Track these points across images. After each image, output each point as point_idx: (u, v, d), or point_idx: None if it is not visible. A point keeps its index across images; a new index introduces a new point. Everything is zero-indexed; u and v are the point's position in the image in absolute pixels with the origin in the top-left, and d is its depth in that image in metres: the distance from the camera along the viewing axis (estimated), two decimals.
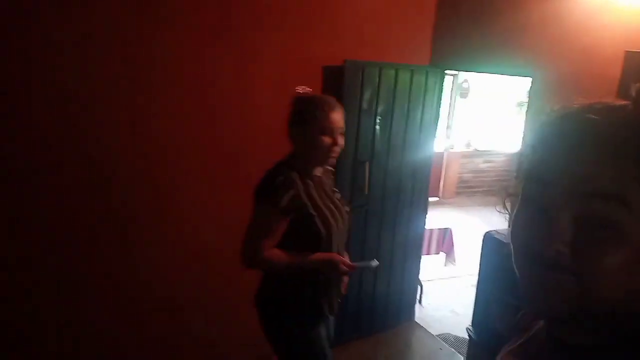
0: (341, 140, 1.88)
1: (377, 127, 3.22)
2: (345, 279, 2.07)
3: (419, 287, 4.09)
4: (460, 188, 8.44)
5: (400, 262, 3.63)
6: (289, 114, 1.92)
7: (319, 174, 1.95)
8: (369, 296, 3.50)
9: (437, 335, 3.79)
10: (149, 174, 2.66)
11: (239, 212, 2.93)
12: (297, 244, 1.83)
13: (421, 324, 3.91)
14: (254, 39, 2.75)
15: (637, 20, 2.21)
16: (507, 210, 0.70)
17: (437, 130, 3.65)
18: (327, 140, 1.84)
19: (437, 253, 4.42)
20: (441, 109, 3.60)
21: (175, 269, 2.83)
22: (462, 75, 7.53)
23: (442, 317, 4.21)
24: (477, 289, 2.84)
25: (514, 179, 0.64)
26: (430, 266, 4.65)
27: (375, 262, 2.02)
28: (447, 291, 4.74)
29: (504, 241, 2.48)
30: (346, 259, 1.93)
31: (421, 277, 4.07)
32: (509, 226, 0.63)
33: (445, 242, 4.44)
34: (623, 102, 0.57)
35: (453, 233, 4.48)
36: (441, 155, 7.80)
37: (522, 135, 2.84)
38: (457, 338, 3.79)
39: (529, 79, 2.81)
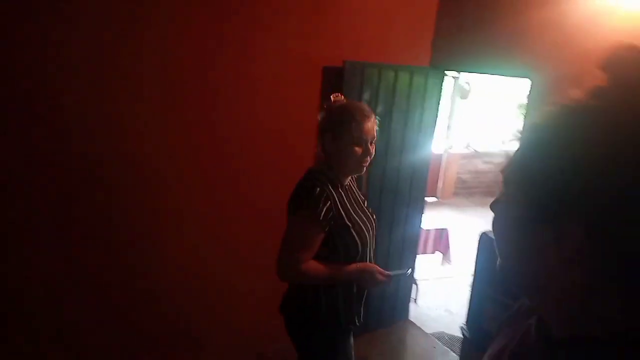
0: (373, 150, 1.84)
1: (377, 128, 3.23)
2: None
3: (414, 286, 4.12)
4: (459, 189, 8.47)
5: (397, 262, 3.66)
6: (320, 122, 1.89)
7: (348, 183, 1.93)
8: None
9: (431, 334, 3.83)
10: (141, 174, 2.64)
11: (236, 212, 3.00)
12: (332, 255, 1.81)
13: (416, 323, 3.94)
14: (253, 40, 2.76)
15: (637, 24, 2.24)
16: None
17: (436, 131, 3.67)
18: (360, 150, 1.81)
19: (433, 253, 4.45)
20: (440, 110, 3.62)
21: (170, 272, 2.85)
22: (463, 76, 7.55)
23: (437, 316, 4.25)
24: (471, 288, 2.88)
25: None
26: (426, 265, 4.68)
27: (408, 270, 2.01)
28: (442, 290, 4.77)
29: None
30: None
31: (417, 276, 4.10)
32: None
33: (441, 242, 4.48)
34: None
35: (450, 233, 4.51)
36: (440, 155, 7.84)
37: (521, 136, 2.86)
38: (451, 337, 3.82)
39: (528, 81, 2.84)
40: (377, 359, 3.41)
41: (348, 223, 1.79)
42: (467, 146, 8.27)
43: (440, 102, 3.55)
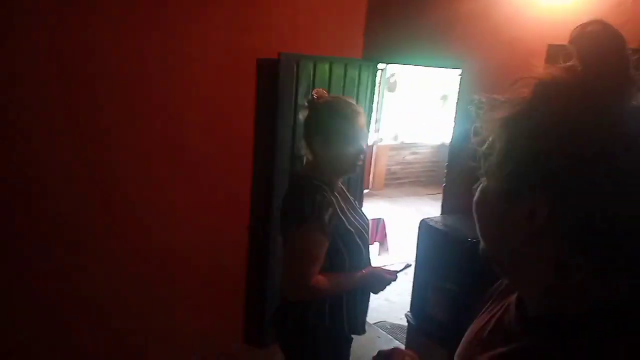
0: (366, 147, 1.76)
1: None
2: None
3: None
4: (389, 180, 8.68)
5: None
6: (306, 123, 1.77)
7: (339, 185, 1.83)
8: None
9: (373, 324, 3.87)
10: (82, 173, 2.51)
11: (171, 206, 2.88)
12: (337, 265, 1.71)
13: None
14: (184, 32, 2.65)
15: (559, 15, 2.36)
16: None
17: (371, 123, 3.71)
18: (353, 150, 1.73)
19: (372, 243, 4.51)
20: (374, 103, 3.66)
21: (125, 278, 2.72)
22: (390, 69, 7.71)
23: (378, 306, 4.30)
24: (414, 275, 2.93)
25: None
26: None
27: (409, 264, 1.94)
28: None
29: (439, 228, 2.56)
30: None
31: None
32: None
33: (378, 232, 4.55)
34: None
35: (385, 223, 4.59)
36: (370, 148, 7.98)
37: (453, 125, 2.94)
38: (393, 325, 3.89)
39: (458, 71, 2.92)
40: None
41: (350, 229, 1.70)
42: (395, 138, 8.48)
43: (374, 94, 3.59)
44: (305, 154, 1.82)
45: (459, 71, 2.94)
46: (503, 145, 0.62)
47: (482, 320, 0.77)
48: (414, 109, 8.32)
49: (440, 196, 3.14)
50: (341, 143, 1.70)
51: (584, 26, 0.59)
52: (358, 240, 1.73)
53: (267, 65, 2.97)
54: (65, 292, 2.57)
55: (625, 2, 2.14)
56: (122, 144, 2.59)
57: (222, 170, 3.02)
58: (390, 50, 3.31)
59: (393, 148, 8.62)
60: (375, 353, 1.01)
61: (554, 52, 2.28)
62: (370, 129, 3.86)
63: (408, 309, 2.97)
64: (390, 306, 4.28)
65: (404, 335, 3.26)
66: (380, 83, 7.99)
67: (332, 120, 1.70)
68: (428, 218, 2.78)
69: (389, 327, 3.89)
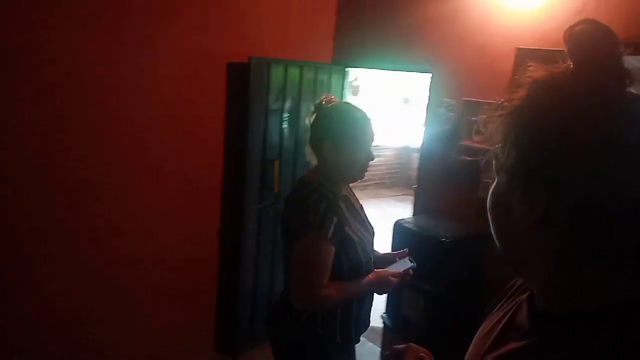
0: (374, 152, 1.73)
1: (285, 125, 3.20)
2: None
3: None
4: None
5: None
6: (314, 128, 1.73)
7: (344, 192, 1.79)
8: (278, 293, 3.45)
9: None
10: (48, 176, 2.40)
11: (138, 210, 2.80)
12: (339, 273, 1.65)
13: None
14: (155, 36, 2.59)
15: (526, 20, 2.43)
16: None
17: None
18: (363, 155, 1.69)
19: None
20: None
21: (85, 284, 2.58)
22: (352, 72, 7.75)
23: None
24: None
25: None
26: None
27: (414, 264, 1.84)
28: None
29: (413, 229, 2.59)
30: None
31: None
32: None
33: None
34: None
35: None
36: None
37: (423, 128, 2.99)
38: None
39: (420, 75, 2.97)
40: None
41: (355, 238, 1.66)
42: None
43: (343, 98, 3.60)
44: (310, 160, 1.79)
45: (425, 75, 2.99)
46: (504, 141, 0.64)
47: (495, 318, 0.77)
48: (376, 112, 8.42)
49: (405, 197, 3.19)
50: (351, 148, 1.67)
51: (573, 26, 0.61)
52: (360, 251, 1.69)
53: (237, 69, 2.94)
54: (32, 297, 2.44)
55: (588, 5, 2.24)
56: (89, 148, 2.49)
57: (192, 176, 2.96)
58: (360, 54, 3.34)
59: None
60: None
61: (522, 55, 2.36)
62: None
63: (384, 311, 2.98)
64: None
65: (380, 337, 3.28)
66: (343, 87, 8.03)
67: (343, 125, 1.68)
68: (402, 219, 2.81)
69: None
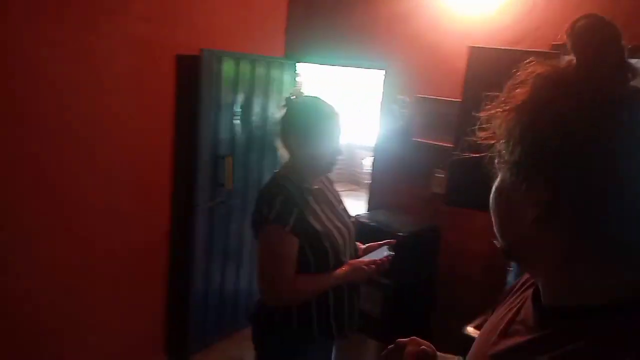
0: (342, 146, 1.73)
1: (237, 120, 3.12)
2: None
3: None
4: None
5: None
6: (283, 122, 1.71)
7: (317, 185, 1.77)
8: (230, 293, 3.38)
9: None
10: None
11: (88, 207, 2.63)
12: (302, 267, 1.64)
13: None
14: (99, 25, 2.43)
15: (478, 19, 2.49)
16: None
17: None
18: (331, 149, 1.69)
19: None
20: None
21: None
22: (298, 68, 7.72)
23: None
24: None
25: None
26: None
27: (392, 251, 1.81)
28: None
29: (370, 224, 2.60)
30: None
31: None
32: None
33: None
34: None
35: None
36: None
37: (378, 125, 3.01)
38: None
39: (364, 71, 2.98)
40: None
41: (319, 229, 1.65)
42: None
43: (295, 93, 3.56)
44: (282, 154, 1.79)
45: (375, 72, 3.01)
46: (507, 137, 0.63)
47: (501, 313, 0.77)
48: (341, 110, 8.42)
49: (350, 193, 3.20)
50: (319, 142, 1.67)
51: (575, 21, 0.61)
52: (327, 244, 1.67)
53: (187, 61, 2.83)
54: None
55: (536, 6, 2.32)
56: (34, 144, 2.32)
57: (139, 173, 2.81)
58: (312, 50, 3.31)
59: None
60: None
61: (475, 54, 2.41)
62: None
63: None
64: None
65: None
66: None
67: (311, 119, 1.68)
68: (359, 215, 2.81)
69: None
